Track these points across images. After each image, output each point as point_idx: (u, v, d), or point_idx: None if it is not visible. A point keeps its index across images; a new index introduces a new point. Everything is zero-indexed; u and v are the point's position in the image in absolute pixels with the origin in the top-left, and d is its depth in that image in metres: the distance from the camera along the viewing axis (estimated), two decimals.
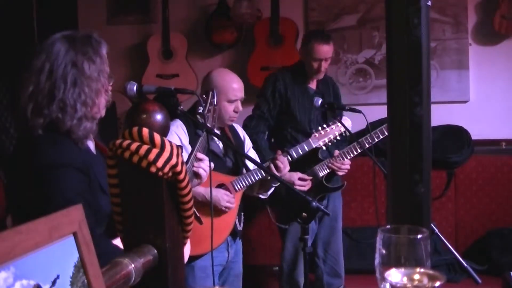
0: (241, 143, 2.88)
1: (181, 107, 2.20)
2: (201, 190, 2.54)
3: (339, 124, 2.95)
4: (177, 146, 1.18)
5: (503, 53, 4.34)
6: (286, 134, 3.33)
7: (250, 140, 3.06)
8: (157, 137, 1.14)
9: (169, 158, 1.12)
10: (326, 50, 3.27)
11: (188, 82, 4.46)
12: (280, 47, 4.42)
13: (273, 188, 2.87)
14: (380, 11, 4.38)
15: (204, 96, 2.44)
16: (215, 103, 2.43)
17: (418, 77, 1.22)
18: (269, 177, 2.72)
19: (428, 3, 1.23)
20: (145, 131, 1.14)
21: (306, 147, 2.94)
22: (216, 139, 2.60)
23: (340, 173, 3.23)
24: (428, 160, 1.24)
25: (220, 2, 4.51)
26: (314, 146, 2.96)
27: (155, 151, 1.12)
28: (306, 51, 3.31)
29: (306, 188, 3.09)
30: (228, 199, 2.64)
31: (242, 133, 2.94)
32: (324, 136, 2.96)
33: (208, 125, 2.38)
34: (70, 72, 1.64)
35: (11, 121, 4.20)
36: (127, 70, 4.65)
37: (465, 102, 4.34)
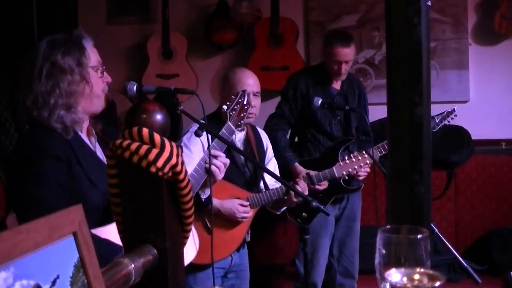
0: (263, 152, 2.85)
1: (181, 107, 2.19)
2: (216, 202, 2.53)
3: (366, 155, 2.97)
4: (177, 146, 1.18)
5: (503, 53, 4.34)
6: (307, 133, 3.36)
7: (270, 137, 3.05)
8: (157, 137, 1.14)
9: (169, 158, 1.12)
10: (346, 53, 3.27)
11: (188, 82, 4.46)
12: (280, 47, 4.42)
13: (284, 207, 2.87)
14: (380, 11, 4.38)
15: (233, 96, 2.43)
16: (245, 102, 2.40)
17: (418, 77, 1.22)
18: (285, 197, 2.70)
19: (428, 3, 1.23)
20: (145, 131, 1.14)
21: (328, 175, 2.97)
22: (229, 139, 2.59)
23: (360, 178, 3.24)
24: (428, 160, 1.24)
25: (220, 2, 4.51)
26: (336, 176, 2.98)
27: (155, 151, 1.12)
28: (327, 53, 3.33)
29: (322, 188, 3.08)
30: (243, 210, 2.63)
31: (266, 142, 2.92)
32: (349, 166, 2.97)
33: (231, 124, 2.37)
34: (45, 67, 1.73)
35: (11, 121, 4.20)
36: (127, 70, 4.65)
37: (465, 102, 4.34)
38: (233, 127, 2.38)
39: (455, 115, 3.30)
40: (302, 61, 4.42)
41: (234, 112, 2.37)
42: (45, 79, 1.71)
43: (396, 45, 1.25)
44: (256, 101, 2.69)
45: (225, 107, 2.37)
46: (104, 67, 1.84)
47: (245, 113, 2.40)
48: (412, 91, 1.22)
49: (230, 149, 2.62)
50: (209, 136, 2.50)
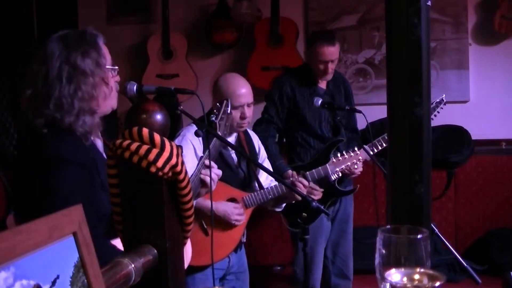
0: (255, 154, 2.85)
1: (181, 107, 2.19)
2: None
3: (358, 152, 2.95)
4: (177, 146, 1.18)
5: (503, 53, 4.34)
6: (297, 136, 3.30)
7: None
8: (157, 137, 1.14)
9: (169, 158, 1.12)
10: (331, 52, 3.21)
11: (188, 82, 4.46)
12: (280, 47, 4.42)
13: (284, 204, 2.86)
14: (380, 11, 4.38)
15: (218, 104, 2.41)
16: (229, 111, 2.39)
17: (418, 77, 1.22)
18: (282, 195, 2.71)
19: (428, 3, 1.23)
20: (145, 131, 1.14)
21: (322, 173, 2.95)
22: (230, 148, 2.58)
23: (354, 176, 3.21)
24: (428, 160, 1.24)
25: (220, 2, 4.51)
26: (330, 173, 2.96)
27: (155, 151, 1.12)
28: (312, 53, 3.26)
29: (317, 198, 3.06)
30: (238, 212, 2.63)
31: (257, 143, 2.91)
32: (342, 163, 2.96)
33: (220, 133, 2.35)
34: (65, 70, 1.66)
35: (11, 121, 4.20)
36: (127, 70, 4.64)
37: (465, 102, 4.35)
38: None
39: (445, 104, 3.26)
40: (302, 61, 4.41)
41: (222, 121, 2.37)
42: (66, 83, 1.65)
43: (396, 45, 1.25)
44: (249, 112, 2.67)
45: (213, 116, 2.35)
46: (117, 67, 1.81)
47: (228, 123, 2.40)
48: (412, 91, 1.22)
49: (222, 153, 2.63)
50: (201, 140, 2.50)
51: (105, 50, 1.76)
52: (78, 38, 1.72)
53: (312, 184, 3.02)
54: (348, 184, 3.34)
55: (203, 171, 2.20)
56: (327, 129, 3.30)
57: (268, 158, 3.05)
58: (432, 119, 3.20)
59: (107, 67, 1.75)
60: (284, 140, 3.42)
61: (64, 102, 1.64)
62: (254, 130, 3.23)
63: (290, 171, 3.01)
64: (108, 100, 1.77)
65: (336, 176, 3.07)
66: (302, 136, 3.29)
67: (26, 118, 1.67)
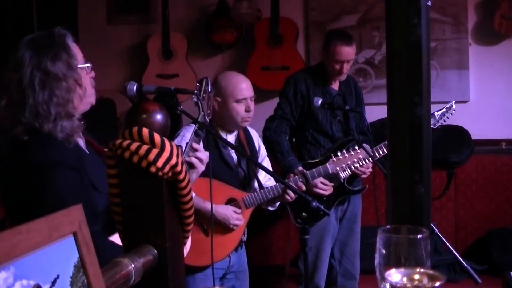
0: (255, 152, 2.85)
1: (181, 107, 2.18)
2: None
3: (359, 151, 2.94)
4: (177, 146, 1.18)
5: (503, 53, 4.34)
6: (307, 134, 3.32)
7: (272, 140, 3.10)
8: (157, 137, 1.14)
9: (169, 158, 1.12)
10: (348, 52, 3.24)
11: (188, 82, 4.46)
12: (280, 47, 4.42)
13: (278, 203, 2.87)
14: (380, 11, 4.38)
15: (198, 84, 2.38)
16: (210, 90, 2.34)
17: (418, 77, 1.22)
18: (278, 194, 2.72)
19: (428, 3, 1.23)
20: (145, 131, 1.14)
21: (322, 172, 2.95)
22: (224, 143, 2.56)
23: (364, 176, 3.24)
24: (428, 160, 1.24)
25: (220, 2, 4.51)
26: (330, 172, 2.96)
27: (155, 151, 1.12)
28: (328, 52, 3.28)
29: (327, 193, 3.08)
30: (237, 217, 2.63)
31: (257, 141, 2.91)
32: (342, 162, 2.96)
33: (203, 113, 2.32)
34: (36, 76, 1.63)
35: None
36: (127, 70, 4.65)
37: (465, 102, 4.34)
38: (206, 117, 2.30)
39: (454, 110, 3.28)
40: (302, 61, 4.42)
41: (204, 101, 2.32)
42: (39, 89, 1.62)
43: (396, 45, 1.25)
44: (252, 106, 2.67)
45: (194, 97, 2.26)
46: (90, 64, 1.77)
47: (210, 103, 2.32)
48: (412, 91, 1.22)
49: (221, 153, 2.62)
50: (193, 136, 2.46)
51: (75, 49, 1.72)
52: (47, 40, 1.68)
53: (322, 179, 3.04)
54: (357, 184, 3.35)
55: (191, 153, 2.15)
56: (338, 128, 3.32)
57: (279, 153, 3.05)
58: (444, 122, 3.24)
59: (79, 66, 1.71)
60: (294, 139, 3.44)
61: (40, 110, 1.61)
62: (266, 127, 3.27)
63: (300, 168, 3.02)
64: (85, 99, 1.74)
65: (346, 174, 3.09)
66: (312, 134, 3.31)
67: (4, 127, 1.64)
